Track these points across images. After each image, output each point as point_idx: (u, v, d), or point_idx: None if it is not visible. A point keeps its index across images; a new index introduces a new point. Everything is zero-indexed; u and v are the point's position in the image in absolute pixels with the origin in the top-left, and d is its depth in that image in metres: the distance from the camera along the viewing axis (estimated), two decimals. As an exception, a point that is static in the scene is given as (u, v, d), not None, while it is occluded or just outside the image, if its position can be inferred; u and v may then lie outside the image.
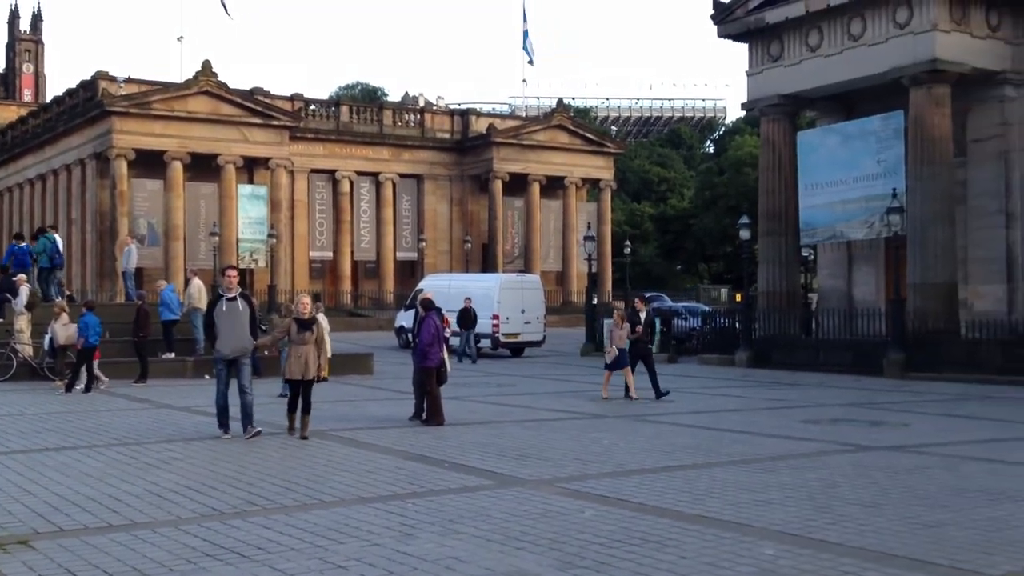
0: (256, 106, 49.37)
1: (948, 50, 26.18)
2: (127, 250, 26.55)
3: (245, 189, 49.13)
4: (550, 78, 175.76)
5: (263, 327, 15.26)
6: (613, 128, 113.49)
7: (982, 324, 24.99)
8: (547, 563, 6.76)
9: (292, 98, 53.48)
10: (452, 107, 71.94)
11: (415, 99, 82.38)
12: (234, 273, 13.36)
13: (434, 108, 62.88)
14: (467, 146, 57.29)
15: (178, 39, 71.67)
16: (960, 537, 7.65)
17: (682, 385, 21.18)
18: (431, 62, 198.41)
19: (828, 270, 32.32)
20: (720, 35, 31.65)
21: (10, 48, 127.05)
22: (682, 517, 8.25)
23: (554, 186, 57.75)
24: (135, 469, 10.39)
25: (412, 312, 20.35)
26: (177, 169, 47.25)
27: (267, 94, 51.75)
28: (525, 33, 61.84)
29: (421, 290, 27.06)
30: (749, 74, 31.24)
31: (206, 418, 14.18)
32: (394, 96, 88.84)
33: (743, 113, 40.63)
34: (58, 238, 25.30)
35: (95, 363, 19.00)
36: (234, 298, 12.82)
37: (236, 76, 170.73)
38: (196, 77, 47.81)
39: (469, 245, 54.34)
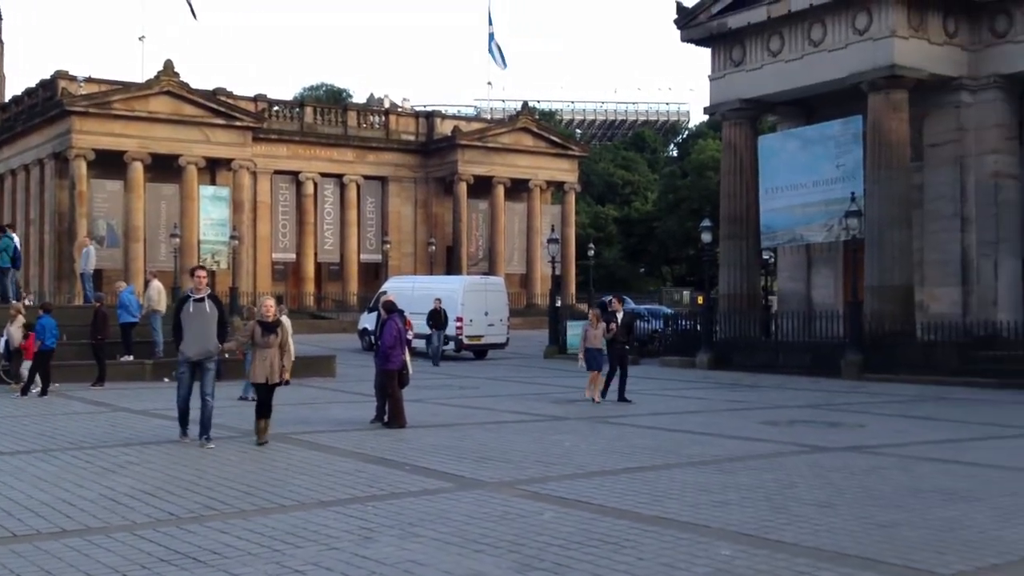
0: (219, 106, 48.97)
1: (906, 56, 26.55)
2: (86, 251, 26.26)
3: (207, 190, 48.70)
4: (515, 81, 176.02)
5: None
6: (578, 131, 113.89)
7: (938, 326, 25.38)
8: (506, 565, 6.78)
9: (255, 99, 53.10)
10: (417, 109, 71.76)
11: (380, 101, 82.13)
12: (203, 274, 13.15)
13: (399, 110, 62.71)
14: (432, 148, 57.20)
15: (140, 39, 71.07)
16: (913, 537, 7.76)
17: (644, 387, 21.28)
18: (396, 64, 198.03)
19: (788, 273, 32.65)
20: (683, 39, 31.89)
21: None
22: (641, 518, 8.30)
23: (519, 188, 57.81)
24: (91, 474, 10.28)
25: (375, 314, 20.30)
26: (138, 170, 46.75)
27: (230, 94, 51.33)
28: (491, 36, 61.80)
29: (384, 292, 26.82)
30: (712, 78, 31.49)
31: (164, 422, 14.05)
32: (359, 97, 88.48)
33: (706, 117, 40.92)
34: (16, 238, 24.95)
35: (24, 364, 18.78)
36: (202, 299, 12.60)
37: (199, 76, 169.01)
38: (158, 77, 47.33)
39: (433, 247, 54.20)
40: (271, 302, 13.18)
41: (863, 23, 26.93)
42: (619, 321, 19.27)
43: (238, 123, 49.38)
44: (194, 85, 48.71)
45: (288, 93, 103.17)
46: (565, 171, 59.65)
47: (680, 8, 31.52)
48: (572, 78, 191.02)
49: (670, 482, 10.11)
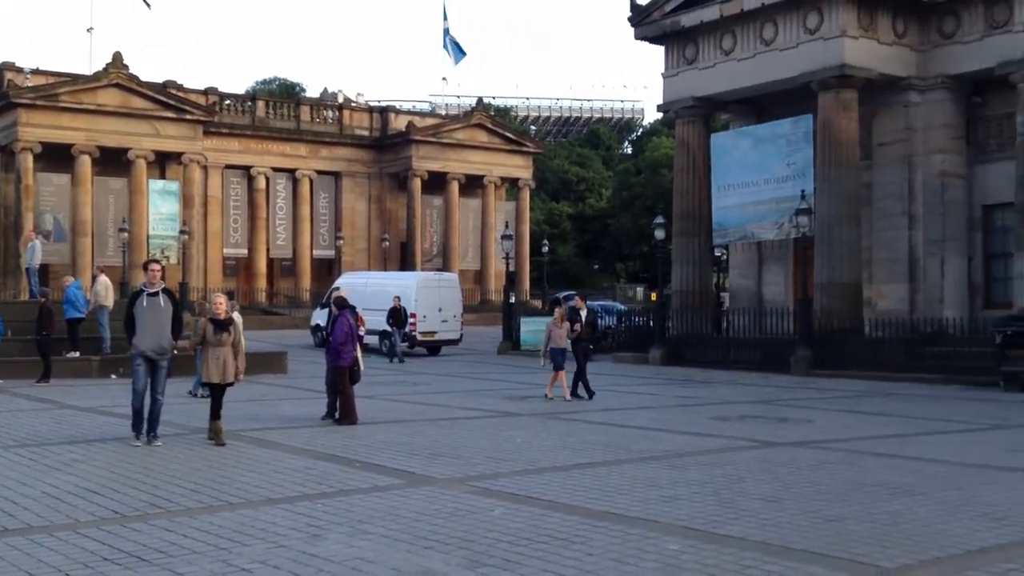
0: (168, 99, 48.33)
1: (856, 56, 26.90)
2: (31, 246, 25.84)
3: (156, 184, 48.08)
4: (471, 77, 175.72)
5: None
6: (533, 128, 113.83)
7: (885, 323, 25.77)
8: (455, 562, 6.76)
9: (206, 92, 52.50)
10: (371, 104, 71.21)
11: (334, 95, 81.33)
12: (157, 268, 12.80)
13: (353, 105, 62.23)
14: (386, 144, 56.94)
15: (88, 30, 69.41)
16: (859, 531, 7.86)
17: (596, 383, 21.25)
18: (351, 58, 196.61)
19: (739, 270, 32.96)
20: (637, 37, 32.02)
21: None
22: (590, 514, 8.32)
23: (473, 185, 57.76)
24: (34, 472, 10.08)
25: (328, 310, 20.12)
26: (85, 163, 46.02)
27: (180, 87, 50.64)
28: (446, 31, 61.65)
29: (337, 288, 26.83)
30: (665, 76, 31.67)
31: (111, 419, 13.83)
32: (312, 92, 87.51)
33: (660, 115, 41.12)
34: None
35: None
36: (156, 293, 12.26)
37: (149, 69, 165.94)
38: (106, 69, 46.62)
39: (387, 243, 53.99)
40: (222, 299, 12.93)
41: (814, 23, 27.24)
42: (583, 319, 19.30)
43: (188, 116, 48.78)
44: (144, 78, 48.14)
45: (241, 87, 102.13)
46: (520, 167, 59.69)
47: (634, 6, 31.64)
48: (527, 75, 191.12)
49: (620, 477, 10.15)
